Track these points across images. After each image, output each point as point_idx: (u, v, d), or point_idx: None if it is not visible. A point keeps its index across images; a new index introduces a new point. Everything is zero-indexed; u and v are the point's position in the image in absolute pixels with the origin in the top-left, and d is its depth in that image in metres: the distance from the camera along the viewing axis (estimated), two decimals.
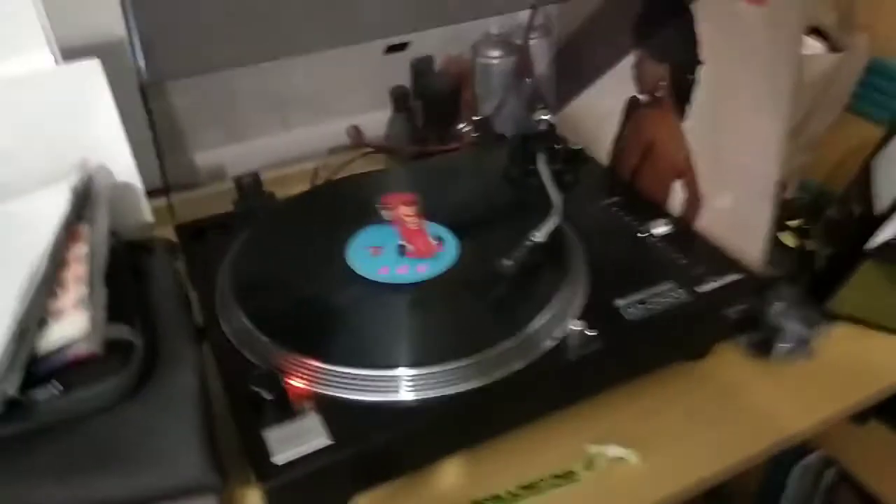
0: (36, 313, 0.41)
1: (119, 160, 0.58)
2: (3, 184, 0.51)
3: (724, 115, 0.61)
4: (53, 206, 0.48)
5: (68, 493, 0.39)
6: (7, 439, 0.40)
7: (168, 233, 0.67)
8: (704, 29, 0.61)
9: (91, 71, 0.55)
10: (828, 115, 0.74)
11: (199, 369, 0.47)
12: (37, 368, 0.40)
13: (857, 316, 0.67)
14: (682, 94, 0.65)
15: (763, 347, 0.63)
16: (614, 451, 0.57)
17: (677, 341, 0.60)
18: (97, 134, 0.56)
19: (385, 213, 0.64)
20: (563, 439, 0.57)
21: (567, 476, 0.55)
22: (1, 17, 0.51)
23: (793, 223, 0.76)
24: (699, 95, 0.64)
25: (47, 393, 0.40)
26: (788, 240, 0.75)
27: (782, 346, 0.63)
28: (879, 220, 0.60)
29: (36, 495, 0.39)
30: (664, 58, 0.66)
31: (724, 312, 0.60)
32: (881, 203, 0.61)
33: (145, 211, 0.61)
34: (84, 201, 0.51)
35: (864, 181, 0.66)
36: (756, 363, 0.64)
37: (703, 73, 0.62)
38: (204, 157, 0.91)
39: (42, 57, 0.54)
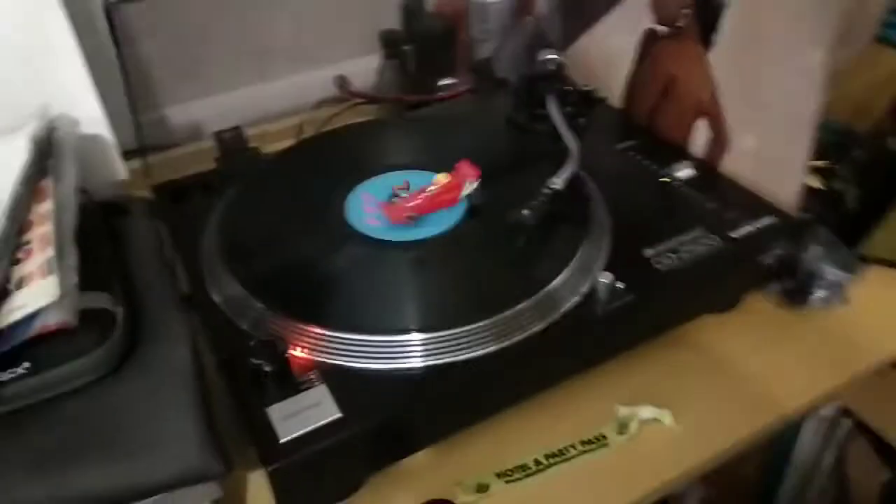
0: None
1: (85, 108, 0.51)
2: None
3: (757, 45, 0.56)
4: (10, 158, 0.41)
5: (45, 488, 0.33)
6: None
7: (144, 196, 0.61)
8: None
9: (47, 2, 0.47)
10: (855, 46, 0.69)
11: (190, 341, 0.41)
12: (0, 345, 0.34)
13: (890, 258, 0.63)
14: (708, 21, 0.59)
15: (798, 295, 0.59)
16: (647, 411, 0.52)
17: (711, 291, 0.56)
18: (58, 77, 0.49)
19: (440, 175, 0.57)
20: (591, 401, 0.53)
21: (598, 441, 0.51)
22: None
23: (818, 164, 0.72)
24: (729, 22, 0.58)
25: (14, 373, 0.34)
26: (813, 181, 0.70)
27: (819, 292, 0.58)
28: None
29: (13, 495, 0.34)
30: None
31: (760, 258, 0.55)
32: None
33: (118, 166, 0.55)
34: (46, 153, 0.44)
35: None
36: (790, 312, 0.60)
37: (732, 1, 0.57)
38: (178, 114, 0.84)
39: None
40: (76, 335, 0.35)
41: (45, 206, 0.40)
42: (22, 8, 0.46)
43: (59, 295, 0.35)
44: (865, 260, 0.63)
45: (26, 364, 0.34)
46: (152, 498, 0.36)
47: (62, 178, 0.43)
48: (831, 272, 0.58)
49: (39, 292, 0.35)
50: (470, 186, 0.56)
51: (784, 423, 0.53)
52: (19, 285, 0.36)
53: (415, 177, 0.60)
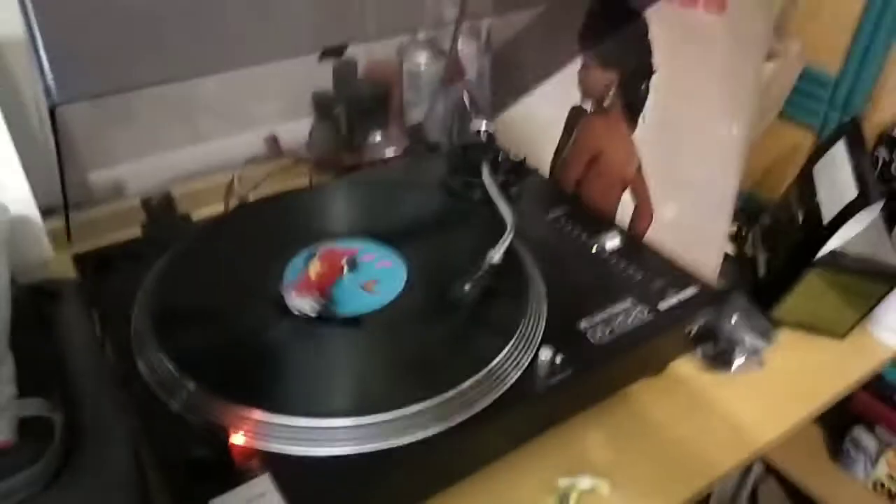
0: None
1: (13, 189, 0.48)
2: None
3: (679, 125, 0.60)
4: None
5: None
6: None
7: (65, 261, 0.58)
8: (659, 37, 0.59)
9: None
10: (763, 122, 0.75)
11: (129, 442, 0.39)
12: None
13: (804, 323, 0.67)
14: (633, 102, 0.63)
15: (720, 361, 0.63)
16: (585, 482, 0.54)
17: (642, 360, 0.58)
18: None
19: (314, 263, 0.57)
20: (532, 474, 0.54)
21: None
22: None
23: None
24: (652, 104, 0.62)
25: None
26: (727, 246, 0.75)
27: (739, 359, 0.62)
28: (827, 229, 0.61)
29: None
30: (614, 65, 0.64)
31: (685, 327, 0.58)
32: (827, 211, 0.62)
33: (44, 246, 0.52)
34: None
35: (806, 188, 0.66)
36: (712, 376, 0.63)
37: (657, 82, 0.60)
38: (101, 173, 0.81)
39: None
40: (14, 449, 0.33)
41: None
42: None
43: None
44: (778, 323, 0.68)
45: None
46: None
47: None
48: (750, 339, 0.62)
49: None
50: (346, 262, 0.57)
51: (711, 487, 0.56)
52: None
53: (352, 244, 0.60)
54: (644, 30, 0.59)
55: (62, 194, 0.49)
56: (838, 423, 0.96)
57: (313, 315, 0.52)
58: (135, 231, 0.65)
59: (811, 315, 0.66)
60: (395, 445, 0.45)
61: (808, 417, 0.61)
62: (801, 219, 0.66)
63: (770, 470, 1.04)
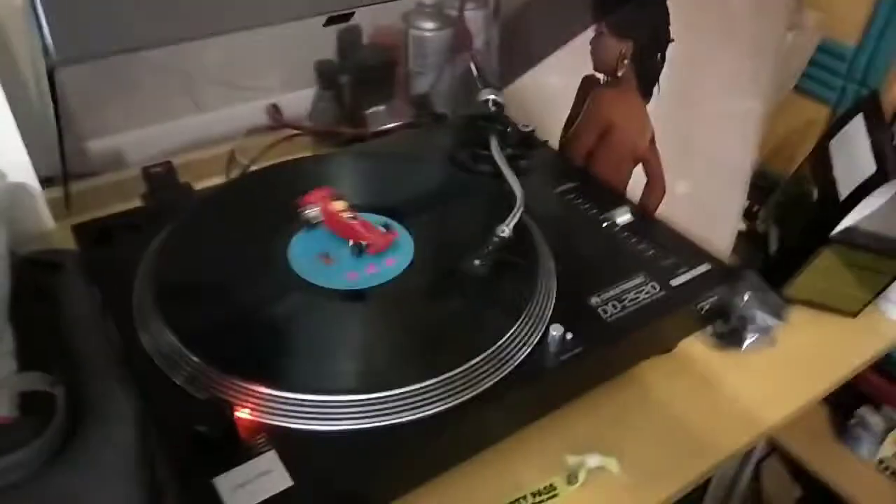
0: None
1: (10, 156, 0.47)
2: None
3: (695, 97, 0.58)
4: None
5: None
6: None
7: (63, 231, 0.56)
8: (676, 6, 0.57)
9: None
10: (779, 95, 0.73)
11: (135, 418, 0.38)
12: None
13: (816, 301, 0.66)
14: (647, 73, 0.61)
15: (731, 339, 0.62)
16: (594, 460, 0.53)
17: (653, 337, 0.57)
18: None
19: (311, 214, 0.56)
20: (541, 451, 0.53)
21: (548, 491, 0.51)
22: None
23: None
24: (667, 75, 0.60)
25: None
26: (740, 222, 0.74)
27: (751, 336, 0.61)
28: (844, 205, 0.59)
29: None
30: (628, 34, 0.62)
31: (697, 305, 0.57)
32: (843, 187, 0.60)
33: (44, 216, 0.51)
34: None
35: (822, 164, 0.65)
36: (723, 354, 0.63)
37: (673, 52, 0.59)
38: (101, 142, 0.79)
39: None
40: (14, 424, 0.32)
41: None
42: None
43: None
44: (789, 301, 0.67)
45: None
46: None
47: None
48: (762, 317, 0.61)
49: None
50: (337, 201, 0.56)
51: (722, 466, 0.55)
52: None
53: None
54: None
55: (61, 161, 0.47)
56: (844, 403, 0.95)
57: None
58: (136, 202, 0.63)
59: (824, 293, 0.65)
60: (401, 422, 0.44)
61: (819, 396, 0.61)
62: (815, 195, 0.65)
63: (774, 448, 1.04)
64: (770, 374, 0.61)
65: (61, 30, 0.37)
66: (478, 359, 0.47)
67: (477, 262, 0.52)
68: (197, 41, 0.75)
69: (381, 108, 0.84)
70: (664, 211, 0.64)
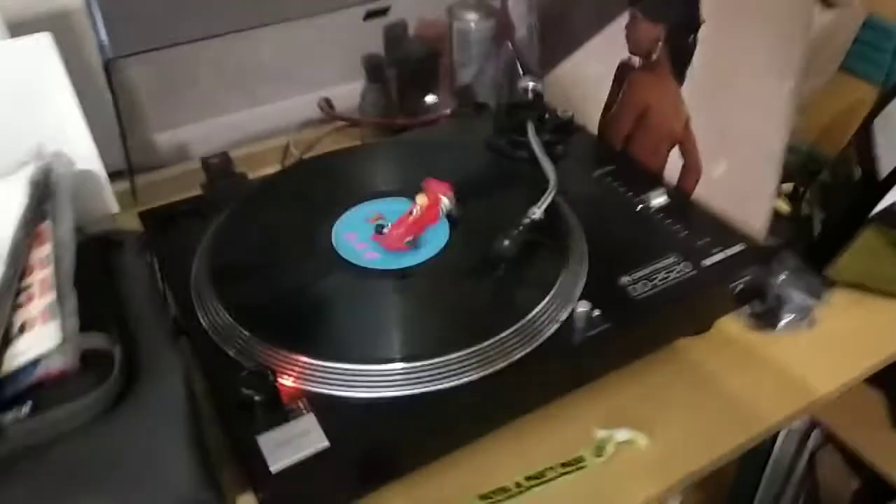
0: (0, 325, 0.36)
1: (78, 145, 0.52)
2: None
3: (728, 78, 0.58)
4: (9, 201, 0.42)
5: None
6: None
7: (131, 220, 0.62)
8: None
9: (42, 46, 0.49)
10: (823, 75, 0.72)
11: (183, 375, 0.43)
12: (3, 389, 0.35)
13: (858, 282, 0.65)
14: (680, 56, 0.62)
15: (767, 319, 0.62)
16: (623, 434, 0.54)
17: (684, 317, 0.58)
18: (52, 117, 0.50)
19: (419, 197, 0.59)
20: (569, 425, 0.55)
21: (575, 463, 0.53)
22: None
23: (784, 188, 0.75)
24: (700, 57, 0.60)
25: (16, 415, 0.35)
26: (780, 205, 0.73)
27: (787, 317, 0.61)
28: (884, 184, 0.59)
29: None
30: (661, 17, 0.63)
31: (730, 285, 0.58)
32: (885, 165, 0.60)
33: (109, 200, 0.56)
34: (44, 195, 0.46)
35: (865, 143, 0.64)
36: (760, 335, 0.63)
37: (704, 34, 0.59)
38: (166, 137, 0.85)
39: None
40: (76, 376, 0.37)
41: (45, 250, 0.41)
42: (22, 50, 0.48)
43: (61, 340, 0.36)
44: (831, 283, 0.66)
45: (28, 405, 0.36)
46: None
47: (60, 221, 0.44)
48: (798, 297, 0.61)
49: (42, 338, 0.36)
50: (446, 200, 0.58)
51: (754, 441, 0.56)
52: (22, 330, 0.37)
53: (398, 203, 0.61)
54: None
55: (124, 151, 0.52)
56: None
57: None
58: (197, 191, 0.68)
59: (867, 274, 0.64)
60: (433, 390, 0.47)
61: (859, 377, 0.60)
62: (858, 175, 0.64)
63: (829, 438, 1.02)
64: (807, 353, 0.61)
65: (115, 27, 0.41)
66: (507, 332, 0.49)
67: (506, 242, 0.54)
68: (251, 39, 0.80)
69: (427, 98, 0.87)
70: (700, 193, 0.65)
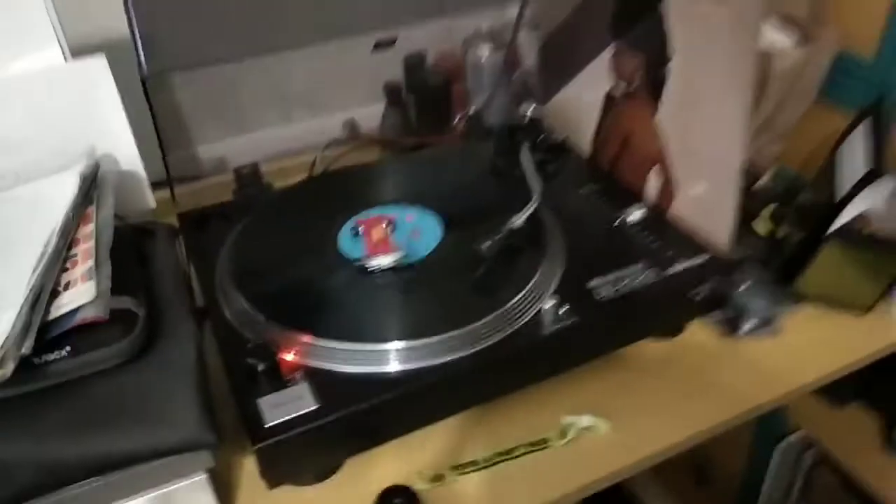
0: (49, 283, 0.45)
1: (124, 150, 0.62)
2: (17, 172, 0.56)
3: (692, 106, 0.65)
4: (64, 188, 0.52)
5: (79, 448, 0.43)
6: (21, 398, 0.44)
7: (171, 222, 0.71)
8: (674, 25, 0.64)
9: (98, 67, 0.60)
10: (799, 106, 0.77)
11: (196, 341, 0.51)
12: (48, 332, 0.44)
13: (822, 295, 0.70)
14: (656, 86, 0.69)
15: (731, 325, 0.67)
16: (586, 420, 0.60)
17: (647, 319, 0.64)
18: (103, 126, 0.61)
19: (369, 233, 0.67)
20: (540, 410, 0.61)
21: (540, 443, 0.59)
22: (16, 20, 0.56)
23: (766, 210, 0.80)
24: (670, 88, 0.67)
25: (58, 355, 0.44)
26: (761, 227, 0.78)
27: (748, 323, 0.66)
28: (839, 204, 0.64)
29: (50, 451, 0.43)
30: (639, 48, 0.70)
31: (691, 292, 0.63)
32: (841, 190, 0.65)
33: (148, 197, 0.66)
34: (91, 185, 0.56)
35: (830, 170, 0.69)
36: (724, 340, 0.68)
37: (673, 67, 0.66)
38: (207, 150, 0.95)
39: (53, 54, 0.58)
40: (107, 328, 0.46)
41: (89, 228, 0.51)
42: (81, 70, 0.59)
43: (95, 295, 0.45)
44: (801, 296, 0.71)
45: (68, 348, 0.45)
46: (159, 461, 0.46)
47: (103, 206, 0.53)
48: (761, 305, 0.66)
49: (81, 293, 0.45)
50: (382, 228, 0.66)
51: (711, 432, 0.61)
52: (66, 287, 0.46)
53: (396, 211, 0.69)
54: (662, 18, 0.65)
55: (163, 160, 0.62)
56: (894, 413, 0.95)
57: (392, 265, 0.62)
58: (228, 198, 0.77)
59: (833, 288, 0.69)
60: (414, 367, 0.54)
61: (813, 384, 0.64)
62: (824, 198, 0.69)
63: (823, 459, 1.04)
64: (768, 358, 0.66)
65: (151, 47, 0.50)
66: (483, 320, 0.56)
67: (486, 245, 0.61)
68: (285, 64, 0.90)
69: (441, 122, 0.95)
70: (677, 210, 0.71)
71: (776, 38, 0.73)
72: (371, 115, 0.98)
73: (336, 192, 0.76)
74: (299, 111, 0.99)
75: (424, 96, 0.94)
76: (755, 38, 0.57)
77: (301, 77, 0.95)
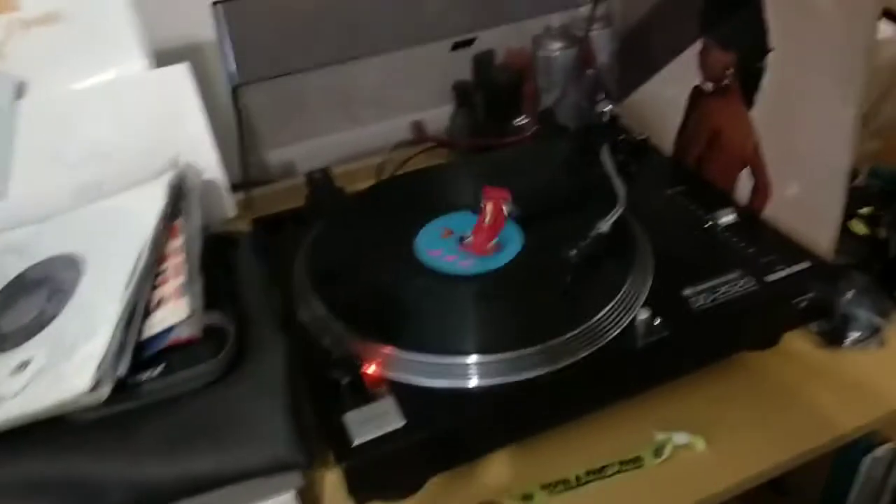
0: (141, 300, 0.45)
1: (205, 157, 0.62)
2: (103, 181, 0.56)
3: (794, 103, 0.61)
4: (152, 200, 0.52)
5: (173, 469, 0.43)
6: (115, 417, 0.43)
7: (245, 226, 0.71)
8: (774, 16, 0.60)
9: (181, 75, 0.59)
10: None
11: (284, 354, 0.50)
12: (141, 352, 0.44)
13: None
14: (749, 81, 0.65)
15: (834, 336, 0.63)
16: (681, 437, 0.57)
17: (746, 330, 0.60)
18: (186, 134, 0.60)
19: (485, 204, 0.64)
20: (631, 425, 0.58)
21: (634, 462, 0.56)
22: (103, 32, 0.56)
23: (863, 211, 0.75)
24: (768, 83, 0.63)
25: (152, 374, 0.44)
26: (858, 228, 0.74)
27: (853, 334, 0.62)
28: None
29: (143, 471, 0.43)
30: (731, 45, 0.66)
31: (793, 301, 0.59)
32: None
33: (228, 206, 0.65)
34: (179, 197, 0.55)
35: None
36: (827, 352, 0.64)
37: (772, 61, 0.62)
38: (277, 154, 0.95)
39: (137, 63, 0.58)
40: (198, 345, 0.45)
41: (178, 241, 0.50)
42: (165, 78, 0.58)
43: (189, 314, 0.44)
44: None
45: (161, 367, 0.44)
46: (249, 481, 0.45)
47: (190, 218, 0.53)
48: (866, 315, 0.62)
49: (174, 311, 0.44)
50: (507, 204, 0.63)
51: (815, 452, 0.57)
52: (158, 305, 0.46)
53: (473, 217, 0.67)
54: (760, 9, 0.61)
55: (242, 166, 0.61)
56: None
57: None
58: (302, 202, 0.76)
59: None
60: (502, 382, 0.52)
61: None
62: None
63: None
64: (875, 370, 0.62)
65: (242, 57, 0.50)
66: (571, 333, 0.54)
67: (572, 252, 0.59)
68: (354, 66, 0.89)
69: (513, 122, 0.92)
70: (771, 213, 0.67)
71: (879, 26, 0.68)
72: (438, 116, 0.96)
73: (410, 195, 0.75)
74: (367, 113, 0.97)
75: (494, 95, 0.92)
76: (871, 29, 0.53)
77: (369, 79, 0.94)
